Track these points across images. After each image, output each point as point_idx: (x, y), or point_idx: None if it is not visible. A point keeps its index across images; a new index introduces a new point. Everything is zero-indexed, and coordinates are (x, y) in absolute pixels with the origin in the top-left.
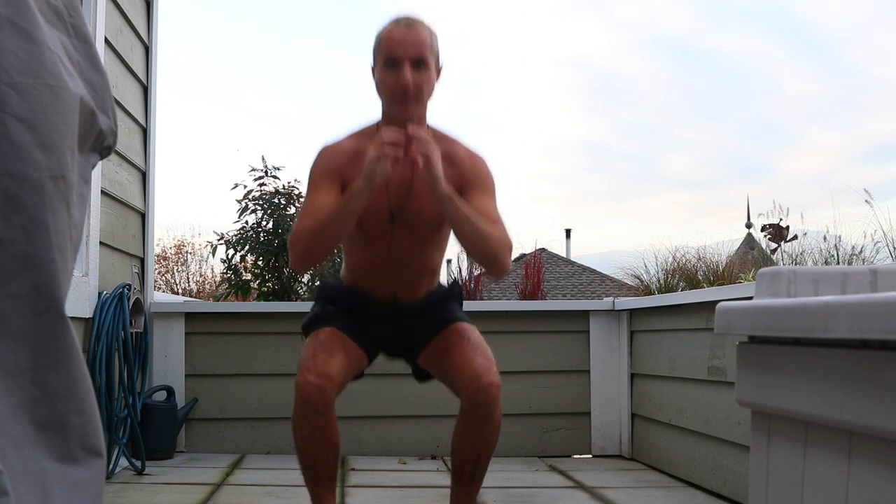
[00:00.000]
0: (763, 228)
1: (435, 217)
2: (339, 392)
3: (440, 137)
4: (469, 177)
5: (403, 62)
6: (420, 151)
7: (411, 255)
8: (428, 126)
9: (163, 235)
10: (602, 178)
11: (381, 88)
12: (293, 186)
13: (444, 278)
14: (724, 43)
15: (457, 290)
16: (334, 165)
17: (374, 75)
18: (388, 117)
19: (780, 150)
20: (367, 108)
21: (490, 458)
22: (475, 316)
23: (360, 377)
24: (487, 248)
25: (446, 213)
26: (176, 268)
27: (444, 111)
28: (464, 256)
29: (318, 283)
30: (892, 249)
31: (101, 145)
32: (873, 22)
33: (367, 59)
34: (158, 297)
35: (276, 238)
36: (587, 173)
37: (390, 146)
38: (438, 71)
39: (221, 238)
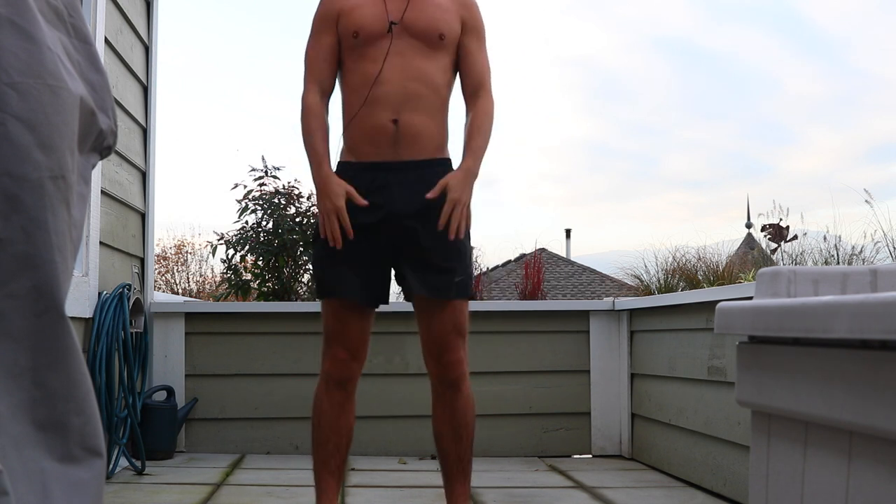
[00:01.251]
0: (763, 228)
1: (432, 25)
2: (361, 367)
3: None
4: (472, 22)
5: None
6: (460, 233)
7: (410, 63)
8: None
9: (163, 235)
10: (602, 178)
11: None
12: (293, 186)
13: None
14: (725, 42)
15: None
16: (330, 6)
17: None
18: None
19: (781, 149)
20: None
21: (472, 439)
22: (475, 316)
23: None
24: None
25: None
26: (176, 268)
27: None
28: None
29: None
30: (892, 249)
31: (101, 145)
32: (875, 21)
33: None
34: (158, 297)
35: (276, 238)
36: (587, 173)
37: (334, 234)
38: None
39: (221, 238)
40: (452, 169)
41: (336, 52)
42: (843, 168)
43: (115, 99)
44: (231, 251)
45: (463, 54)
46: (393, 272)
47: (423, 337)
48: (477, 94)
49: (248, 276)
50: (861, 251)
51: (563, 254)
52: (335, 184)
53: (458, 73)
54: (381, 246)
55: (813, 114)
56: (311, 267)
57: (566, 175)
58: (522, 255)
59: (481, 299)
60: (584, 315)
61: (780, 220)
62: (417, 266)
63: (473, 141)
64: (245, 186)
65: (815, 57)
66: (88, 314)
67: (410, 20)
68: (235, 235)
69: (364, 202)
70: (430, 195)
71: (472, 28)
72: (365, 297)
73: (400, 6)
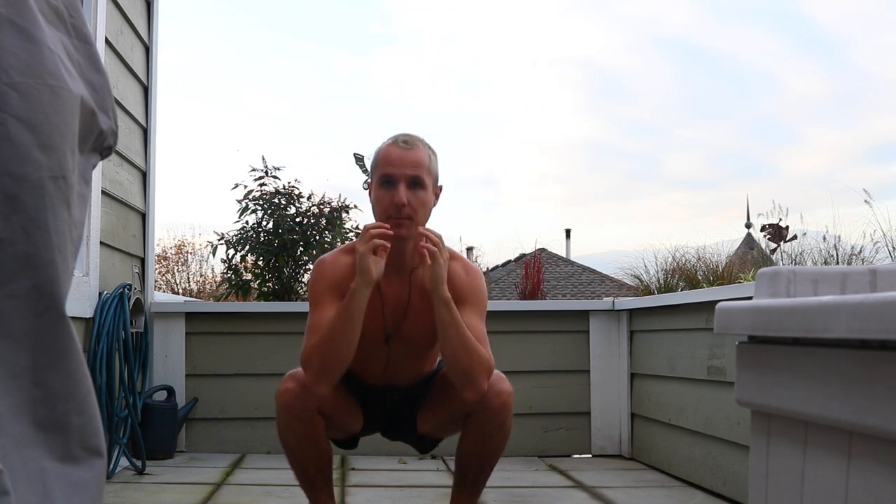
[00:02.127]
0: (763, 228)
1: (428, 337)
2: (322, 403)
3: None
4: (464, 292)
5: (399, 181)
6: (428, 247)
7: (406, 366)
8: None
9: (163, 235)
10: (603, 178)
11: (376, 206)
12: (293, 186)
13: None
14: (726, 42)
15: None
16: (333, 279)
17: (370, 194)
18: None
19: (782, 149)
20: (365, 107)
21: (494, 466)
22: None
23: (357, 440)
24: (468, 362)
25: (440, 315)
26: (176, 268)
27: (444, 111)
28: (464, 256)
29: None
30: (891, 249)
31: (101, 145)
32: (878, 21)
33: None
34: (159, 296)
35: (276, 238)
36: (588, 173)
37: (377, 237)
38: (436, 193)
39: (221, 238)
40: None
41: None
42: (843, 168)
43: (116, 99)
44: (231, 251)
45: None
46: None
47: (457, 402)
48: None
49: (249, 276)
50: (860, 251)
51: (563, 254)
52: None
53: None
54: (379, 410)
55: (814, 113)
56: (311, 267)
57: (566, 175)
58: (522, 255)
59: None
60: (584, 315)
61: (780, 220)
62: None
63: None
64: (245, 186)
65: (817, 56)
66: (89, 314)
67: (407, 333)
68: (236, 235)
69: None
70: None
71: (466, 302)
72: (360, 401)
73: (396, 312)
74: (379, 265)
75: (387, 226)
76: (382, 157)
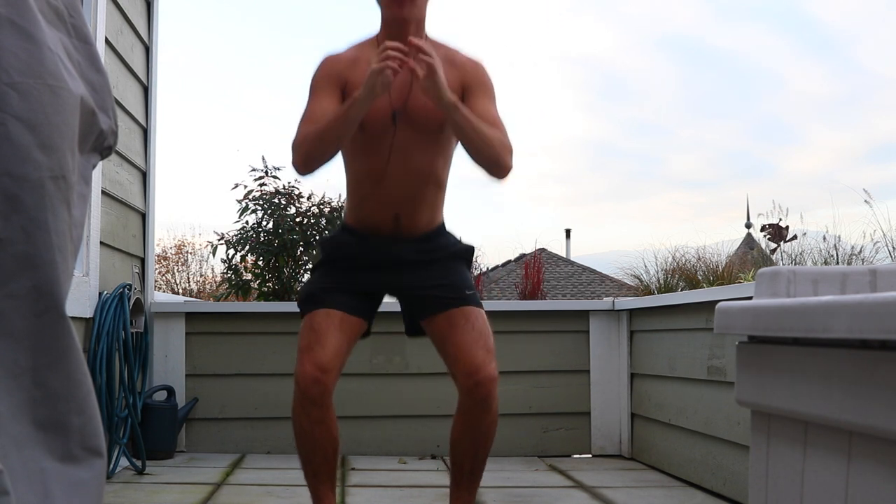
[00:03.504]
0: (763, 228)
1: (437, 117)
2: (336, 379)
3: (439, 45)
4: (471, 80)
5: None
6: (422, 60)
7: (413, 158)
8: (426, 35)
9: (163, 235)
10: (605, 178)
11: None
12: (293, 186)
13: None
14: (730, 41)
15: (462, 248)
16: (335, 71)
17: None
18: (387, 22)
19: (784, 149)
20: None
21: (488, 453)
22: None
23: (366, 335)
24: (490, 152)
25: (451, 120)
26: (176, 268)
27: None
28: None
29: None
30: (891, 249)
31: (101, 145)
32: (881, 19)
33: None
34: (159, 296)
35: (276, 238)
36: (589, 173)
37: (393, 55)
38: None
39: (222, 238)
40: (447, 232)
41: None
42: (844, 168)
43: (116, 99)
44: (231, 251)
45: (470, 111)
46: (401, 308)
47: (452, 352)
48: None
49: (249, 276)
50: (860, 251)
51: (563, 254)
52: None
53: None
54: (377, 283)
55: (816, 113)
56: (311, 267)
57: (568, 174)
58: (522, 255)
59: (481, 299)
60: (584, 315)
61: (780, 220)
62: (422, 287)
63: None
64: (245, 186)
65: (820, 55)
66: (89, 314)
67: (413, 110)
68: (236, 235)
69: (402, 60)
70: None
71: (477, 87)
72: (347, 307)
73: (403, 90)
74: (387, 82)
75: (405, 48)
76: None
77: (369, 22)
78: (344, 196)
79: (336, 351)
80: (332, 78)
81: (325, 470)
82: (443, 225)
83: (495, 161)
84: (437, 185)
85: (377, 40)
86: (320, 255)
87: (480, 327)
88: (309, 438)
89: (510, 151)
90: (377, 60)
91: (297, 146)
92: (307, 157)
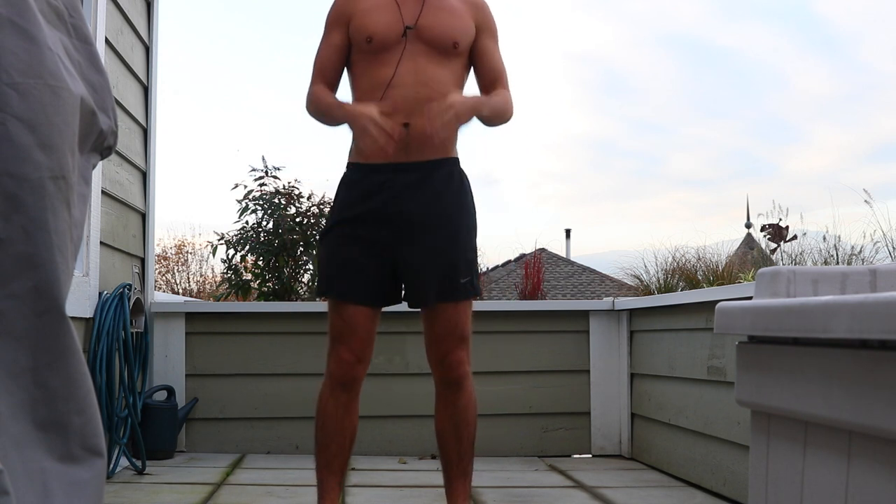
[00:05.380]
0: (763, 228)
1: (447, 33)
2: (367, 368)
3: None
4: (481, 21)
5: None
6: (436, 131)
7: (424, 69)
8: None
9: (163, 235)
10: (605, 177)
11: None
12: (293, 186)
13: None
14: (733, 39)
15: (468, 202)
16: (342, 9)
17: None
18: None
19: (785, 148)
20: None
21: (473, 438)
22: (475, 316)
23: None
24: (505, 120)
25: (483, 118)
26: (176, 268)
27: None
28: None
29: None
30: (891, 249)
31: (101, 145)
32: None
33: None
34: (159, 296)
35: (276, 238)
36: (590, 172)
37: (382, 135)
38: None
39: (221, 238)
40: (459, 167)
41: (345, 53)
42: (845, 168)
43: (116, 99)
44: (231, 251)
45: (478, 54)
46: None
47: (427, 339)
48: (495, 88)
49: (249, 276)
50: (860, 251)
51: (563, 254)
52: (360, 105)
53: (472, 73)
54: (389, 247)
55: (819, 112)
56: (311, 267)
57: (568, 174)
58: (522, 255)
59: (481, 299)
60: (584, 315)
61: (780, 220)
62: (422, 269)
63: (491, 97)
64: (245, 186)
65: (825, 54)
66: (89, 314)
67: (425, 26)
68: (236, 235)
69: (391, 137)
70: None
71: (485, 28)
72: (371, 298)
73: (414, 10)
74: (367, 143)
75: (395, 134)
76: None
77: None
78: None
79: (367, 341)
80: (339, 14)
81: (338, 462)
82: (456, 159)
83: (506, 122)
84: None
85: None
86: (333, 209)
87: (458, 318)
88: (332, 422)
89: (512, 104)
90: (369, 127)
91: (307, 100)
92: (313, 115)
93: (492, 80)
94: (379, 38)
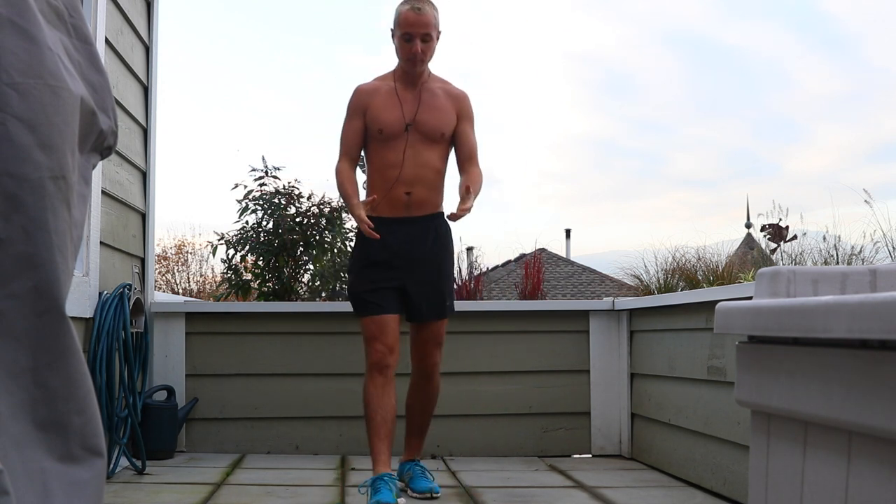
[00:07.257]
0: (763, 228)
1: (438, 126)
2: (398, 359)
3: (437, 79)
4: (461, 110)
5: (415, 38)
6: (461, 216)
7: (421, 154)
8: (430, 72)
9: (163, 235)
10: (606, 177)
11: (399, 53)
12: (293, 186)
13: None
14: (737, 38)
15: (450, 242)
16: (360, 102)
17: (393, 40)
18: (404, 70)
19: (786, 147)
20: None
21: (432, 412)
22: (475, 316)
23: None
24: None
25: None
26: (176, 268)
27: None
28: (464, 256)
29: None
30: (891, 249)
31: (101, 145)
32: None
33: (384, 34)
34: (159, 296)
35: (276, 238)
36: (591, 171)
37: (367, 231)
38: (438, 34)
39: (222, 238)
40: (444, 218)
41: (363, 134)
42: (846, 168)
43: (116, 99)
44: (231, 251)
45: (458, 137)
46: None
47: (413, 342)
48: (469, 163)
49: (249, 276)
50: (860, 251)
51: (563, 254)
52: (359, 208)
53: (453, 148)
54: (397, 275)
55: (821, 111)
56: (311, 267)
57: (569, 173)
58: (522, 255)
59: (481, 299)
60: (584, 315)
61: (780, 220)
62: (419, 294)
63: (473, 185)
64: (245, 186)
65: (829, 53)
66: (89, 314)
67: (421, 121)
68: (236, 235)
69: (375, 235)
70: (457, 211)
71: (464, 116)
72: (395, 308)
73: (412, 107)
74: (364, 231)
75: (375, 235)
76: (402, 20)
77: (369, 21)
78: None
79: (396, 339)
80: (357, 105)
81: (383, 431)
82: (442, 212)
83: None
84: (437, 172)
85: (394, 75)
86: (356, 256)
87: (440, 329)
88: (374, 399)
89: (481, 171)
90: (363, 227)
91: (335, 171)
92: (337, 188)
93: (467, 156)
94: (388, 131)
